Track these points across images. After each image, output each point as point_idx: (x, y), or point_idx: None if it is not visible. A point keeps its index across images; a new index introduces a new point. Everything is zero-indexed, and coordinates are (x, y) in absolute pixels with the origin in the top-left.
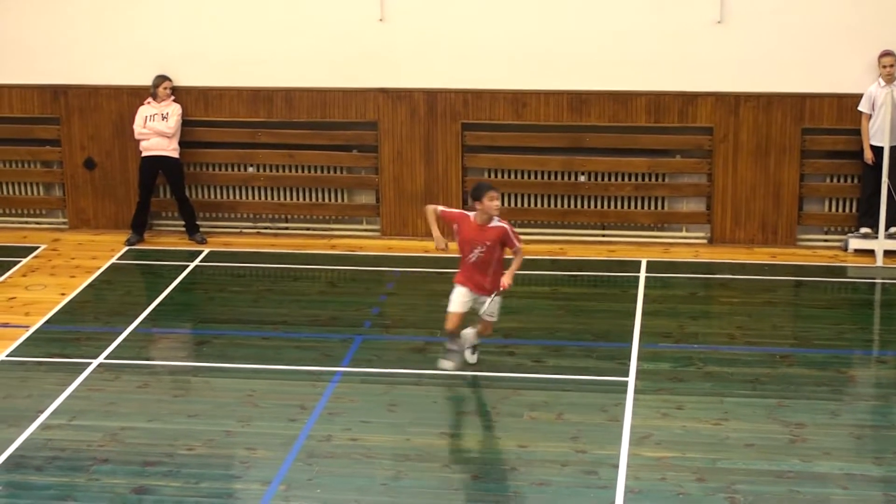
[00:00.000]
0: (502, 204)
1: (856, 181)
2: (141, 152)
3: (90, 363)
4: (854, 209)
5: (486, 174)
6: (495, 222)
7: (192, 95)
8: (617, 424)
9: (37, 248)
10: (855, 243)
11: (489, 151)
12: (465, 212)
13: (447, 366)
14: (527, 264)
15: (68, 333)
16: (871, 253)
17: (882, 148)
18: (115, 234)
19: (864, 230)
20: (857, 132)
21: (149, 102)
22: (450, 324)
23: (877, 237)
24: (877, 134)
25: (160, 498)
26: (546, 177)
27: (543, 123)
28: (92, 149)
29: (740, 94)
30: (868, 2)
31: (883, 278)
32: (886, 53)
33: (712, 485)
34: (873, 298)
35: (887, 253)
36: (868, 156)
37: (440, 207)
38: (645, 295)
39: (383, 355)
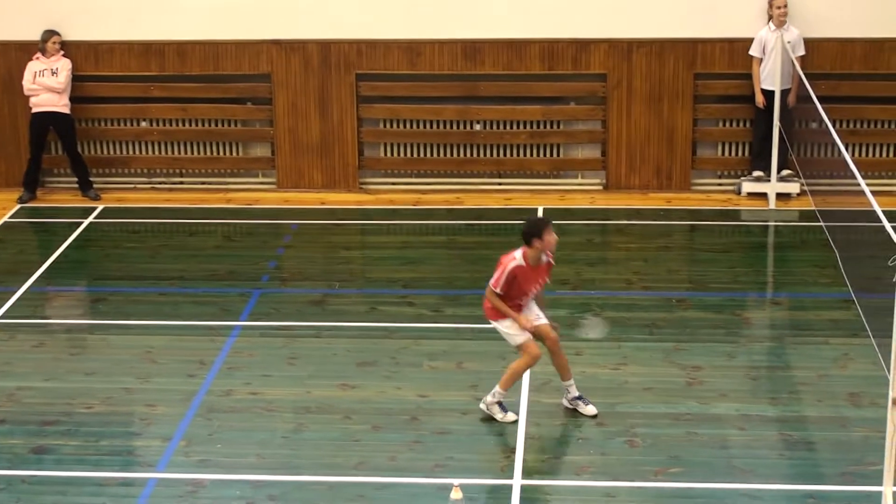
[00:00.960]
0: (400, 154)
1: (748, 125)
2: (31, 108)
3: None
4: (746, 153)
5: (381, 124)
6: (544, 258)
7: (81, 50)
8: None
9: None
10: (748, 187)
11: (384, 102)
12: (514, 258)
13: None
14: (423, 214)
15: None
16: (763, 196)
17: (773, 91)
18: (6, 192)
19: (756, 173)
20: (749, 76)
21: (38, 58)
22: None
23: (769, 180)
24: (768, 78)
25: (59, 457)
26: (442, 126)
27: (438, 73)
28: None
29: (633, 40)
30: None
31: (776, 221)
32: None
33: (612, 429)
34: (767, 241)
35: (779, 196)
36: (759, 100)
37: (492, 288)
38: None
39: (282, 308)
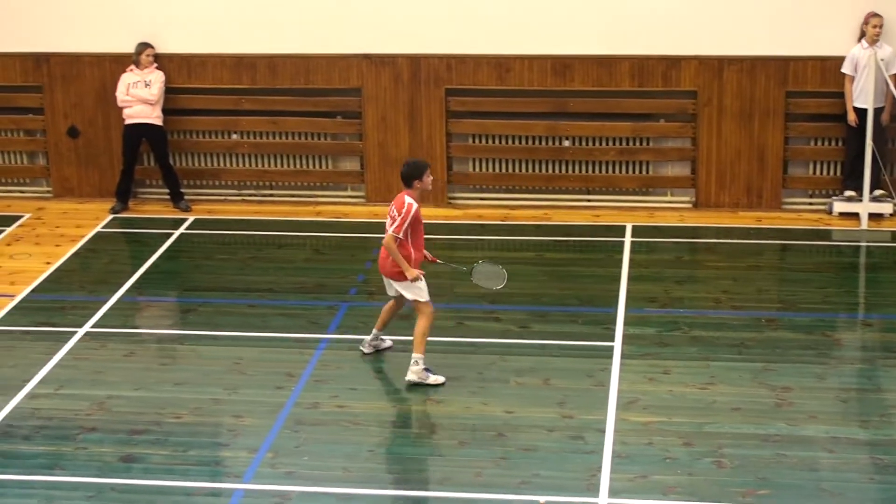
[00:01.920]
0: (488, 170)
1: (840, 144)
2: (124, 120)
3: (76, 332)
4: (838, 172)
5: (470, 140)
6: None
7: (174, 62)
8: (603, 389)
9: (21, 217)
10: (839, 206)
11: (473, 117)
12: (411, 202)
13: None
14: (511, 230)
15: (54, 302)
16: (855, 216)
17: (865, 110)
18: (99, 202)
19: (848, 193)
20: (841, 94)
21: (131, 70)
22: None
23: (861, 200)
24: (860, 96)
25: (148, 466)
26: (530, 142)
27: (527, 88)
28: (75, 117)
29: (724, 57)
30: None
31: (867, 241)
32: (874, 14)
33: (699, 449)
34: (858, 261)
35: (872, 216)
36: (852, 118)
37: (394, 234)
38: (630, 260)
39: (369, 322)
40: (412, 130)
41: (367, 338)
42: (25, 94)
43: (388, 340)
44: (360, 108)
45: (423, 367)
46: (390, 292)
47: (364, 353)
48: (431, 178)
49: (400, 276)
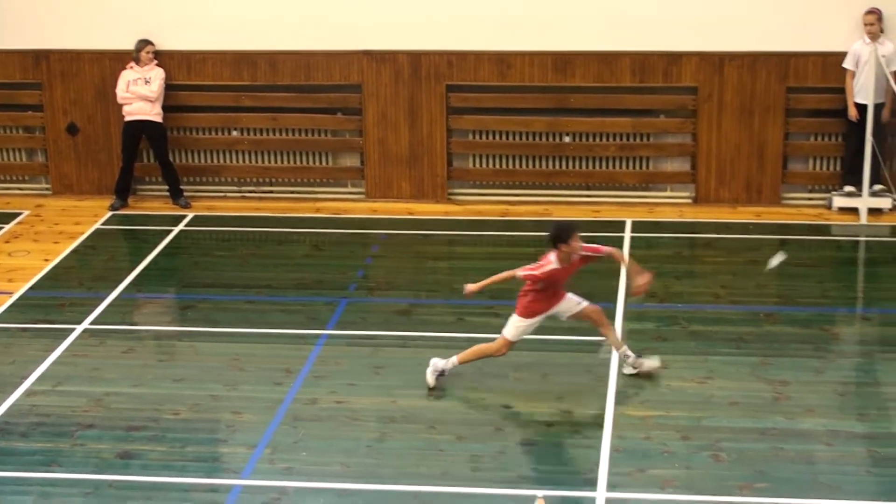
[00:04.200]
0: (488, 165)
1: (840, 139)
2: (124, 117)
3: (74, 329)
4: (838, 167)
5: (470, 136)
6: (574, 257)
7: (174, 59)
8: (602, 384)
9: (20, 213)
10: (839, 201)
11: (474, 113)
12: (549, 260)
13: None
14: (510, 226)
15: (52, 299)
16: (855, 211)
17: (866, 105)
18: (98, 199)
19: (848, 188)
20: (842, 90)
21: (131, 67)
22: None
23: (861, 195)
24: (861, 91)
25: (146, 463)
26: (531, 138)
27: (528, 84)
28: (74, 114)
29: (724, 53)
30: None
31: (867, 236)
32: (870, 11)
33: (697, 443)
34: (857, 256)
35: (871, 211)
36: (852, 113)
37: (520, 275)
38: (630, 255)
39: (369, 318)
40: (412, 127)
41: (626, 359)
42: (25, 91)
43: (632, 355)
44: (360, 105)
45: (442, 371)
46: (563, 318)
47: (626, 375)
48: (582, 244)
49: (518, 308)
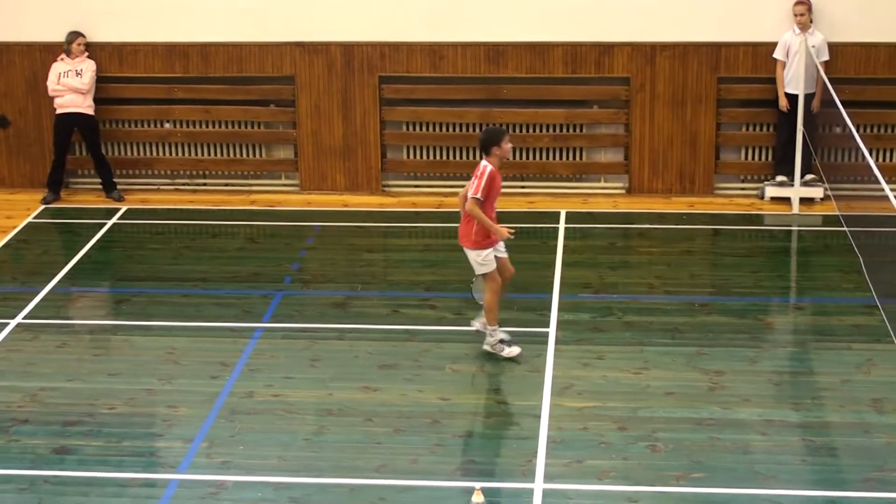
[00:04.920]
0: (423, 157)
1: (771, 129)
2: (55, 109)
3: (8, 323)
4: (770, 157)
5: (404, 127)
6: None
7: (106, 51)
8: (538, 375)
9: None
10: (771, 191)
11: (407, 104)
12: (488, 165)
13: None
14: (445, 217)
15: None
16: (787, 200)
17: (797, 95)
18: (30, 192)
19: (780, 178)
20: (773, 80)
21: (62, 59)
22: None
23: (793, 185)
24: (791, 81)
25: (82, 458)
26: (464, 129)
27: (461, 75)
28: (5, 106)
29: (656, 43)
30: None
31: (799, 225)
32: (800, 2)
33: (634, 433)
34: (790, 246)
35: (803, 200)
36: (783, 103)
37: (472, 195)
38: (564, 246)
39: (304, 311)
40: (346, 118)
41: (479, 315)
42: None
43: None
44: (293, 97)
45: (498, 338)
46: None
47: (473, 329)
48: (510, 144)
49: (471, 244)
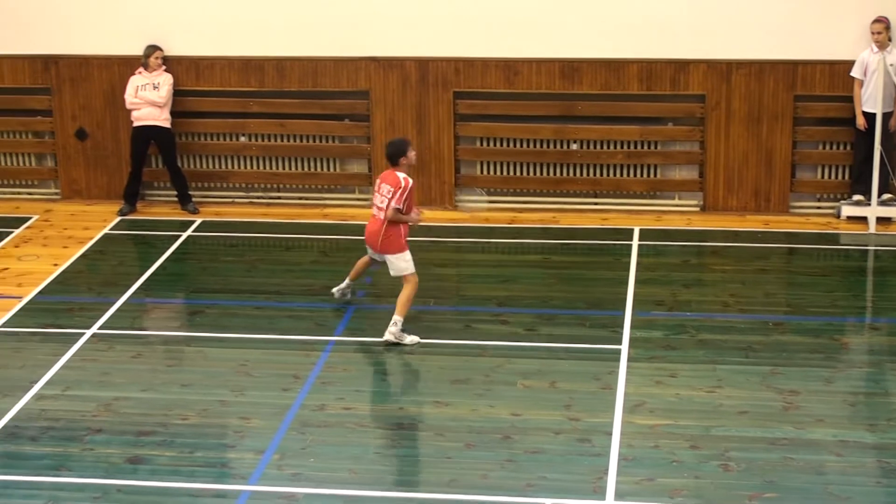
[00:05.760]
0: (496, 173)
1: (848, 148)
2: (132, 122)
3: (83, 333)
4: (846, 176)
5: (478, 143)
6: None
7: (183, 65)
8: (610, 392)
9: (29, 218)
10: (847, 210)
11: (481, 120)
12: (404, 176)
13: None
14: (518, 233)
15: (61, 304)
16: (863, 220)
17: (874, 114)
18: (107, 204)
19: (856, 197)
20: (850, 99)
21: (140, 72)
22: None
23: (869, 204)
24: (869, 100)
25: (154, 468)
26: (538, 145)
27: (535, 91)
28: (83, 119)
29: (732, 61)
30: None
31: (875, 245)
32: (878, 20)
33: (706, 452)
34: (866, 265)
35: (879, 220)
36: (860, 122)
37: (395, 205)
38: (638, 263)
39: (376, 325)
40: (420, 133)
41: (341, 285)
42: (34, 97)
43: (354, 293)
44: (367, 111)
45: (401, 328)
46: (371, 254)
47: (335, 297)
48: (415, 152)
49: (390, 250)
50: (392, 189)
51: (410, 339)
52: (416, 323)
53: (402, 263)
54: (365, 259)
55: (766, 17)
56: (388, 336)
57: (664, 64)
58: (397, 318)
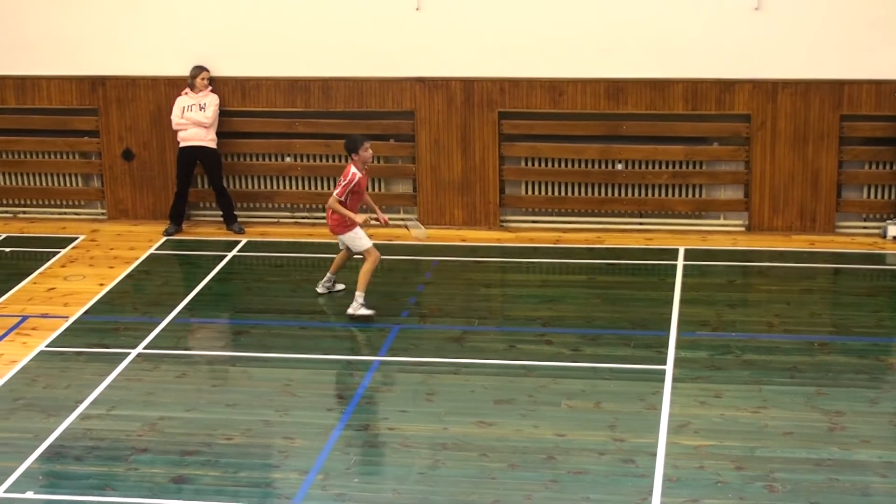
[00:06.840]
0: (541, 193)
1: (895, 168)
2: (179, 143)
3: (129, 353)
4: (893, 196)
5: (522, 163)
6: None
7: (229, 86)
8: (655, 413)
9: (76, 238)
10: (893, 230)
11: (526, 140)
12: (357, 173)
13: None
14: (563, 253)
15: (107, 324)
16: None
17: None
18: (153, 224)
19: None
20: None
21: (186, 93)
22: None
23: None
24: None
25: (199, 487)
26: (583, 165)
27: (580, 111)
28: (130, 139)
29: (778, 80)
30: None
31: None
32: None
33: (751, 473)
34: None
35: None
36: None
37: (337, 195)
38: (683, 283)
39: (421, 344)
40: (465, 153)
41: (322, 280)
42: (81, 117)
43: (340, 285)
44: (413, 131)
45: (361, 303)
46: (341, 246)
47: (319, 293)
48: (371, 151)
49: (342, 230)
50: (340, 179)
51: (366, 311)
52: (462, 343)
53: (357, 241)
54: (340, 255)
55: (811, 37)
56: (351, 311)
57: (709, 84)
58: (358, 294)
